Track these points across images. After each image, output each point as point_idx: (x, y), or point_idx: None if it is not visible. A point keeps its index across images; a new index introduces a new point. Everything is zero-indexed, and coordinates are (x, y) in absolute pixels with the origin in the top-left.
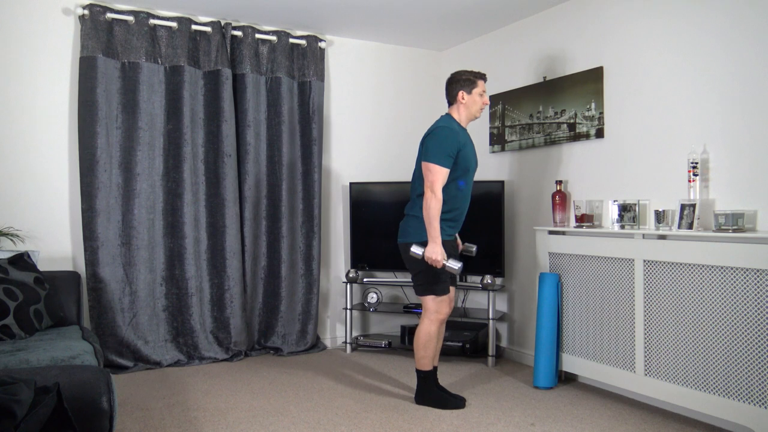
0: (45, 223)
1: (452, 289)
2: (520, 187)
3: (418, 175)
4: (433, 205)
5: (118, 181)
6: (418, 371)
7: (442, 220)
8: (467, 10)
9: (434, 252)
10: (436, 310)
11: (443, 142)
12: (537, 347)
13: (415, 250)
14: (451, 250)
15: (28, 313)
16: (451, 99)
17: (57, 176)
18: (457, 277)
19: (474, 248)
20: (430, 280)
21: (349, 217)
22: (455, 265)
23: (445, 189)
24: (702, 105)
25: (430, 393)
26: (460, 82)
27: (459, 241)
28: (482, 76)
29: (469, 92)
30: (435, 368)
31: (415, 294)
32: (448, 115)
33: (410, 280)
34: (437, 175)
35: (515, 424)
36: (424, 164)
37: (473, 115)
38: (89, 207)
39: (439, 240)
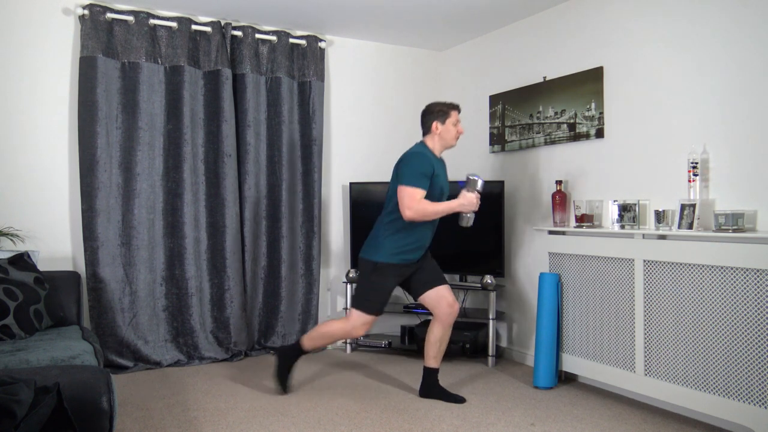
0: (45, 223)
1: (448, 291)
2: (520, 187)
3: (389, 198)
4: (420, 215)
5: (118, 181)
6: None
7: (404, 248)
8: (467, 10)
9: (466, 199)
10: (353, 326)
11: (417, 166)
12: (537, 347)
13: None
14: (405, 271)
15: (28, 313)
16: (426, 129)
17: (57, 176)
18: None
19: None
20: (363, 292)
21: (349, 217)
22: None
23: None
24: (702, 105)
25: (283, 373)
26: (433, 114)
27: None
28: (455, 107)
29: (443, 122)
30: (436, 369)
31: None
32: (422, 143)
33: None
34: (413, 197)
35: (515, 424)
36: (400, 188)
37: (448, 143)
38: (89, 207)
39: (455, 203)
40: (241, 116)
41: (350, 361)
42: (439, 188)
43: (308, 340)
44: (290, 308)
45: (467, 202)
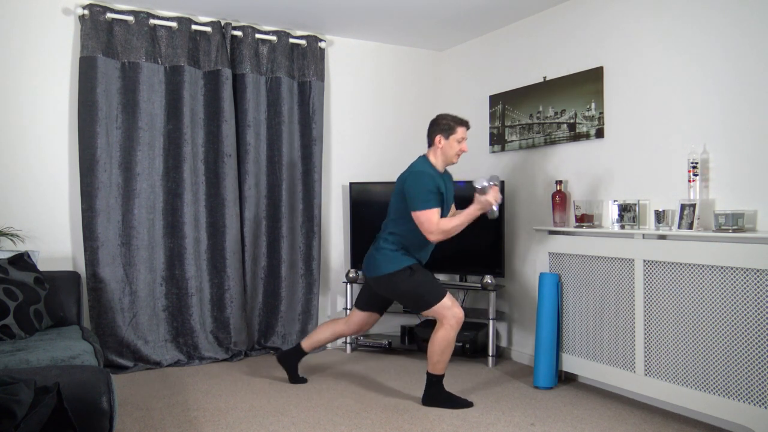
0: (45, 223)
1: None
2: (520, 187)
3: (394, 211)
4: (443, 234)
5: (118, 181)
6: (431, 375)
7: (410, 252)
8: (467, 10)
9: (481, 203)
10: (452, 314)
11: (423, 186)
12: (537, 347)
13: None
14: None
15: (28, 313)
16: (430, 141)
17: (57, 176)
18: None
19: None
20: (423, 292)
21: (349, 217)
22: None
23: (408, 227)
24: (702, 105)
25: (440, 394)
26: (439, 126)
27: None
28: (464, 123)
29: (447, 138)
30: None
31: (422, 314)
32: (425, 158)
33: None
34: (431, 219)
35: (515, 424)
36: (415, 215)
37: (449, 160)
38: (89, 207)
39: (473, 210)
40: (241, 116)
41: (350, 361)
42: (445, 202)
43: (439, 366)
44: (290, 308)
45: (485, 202)
